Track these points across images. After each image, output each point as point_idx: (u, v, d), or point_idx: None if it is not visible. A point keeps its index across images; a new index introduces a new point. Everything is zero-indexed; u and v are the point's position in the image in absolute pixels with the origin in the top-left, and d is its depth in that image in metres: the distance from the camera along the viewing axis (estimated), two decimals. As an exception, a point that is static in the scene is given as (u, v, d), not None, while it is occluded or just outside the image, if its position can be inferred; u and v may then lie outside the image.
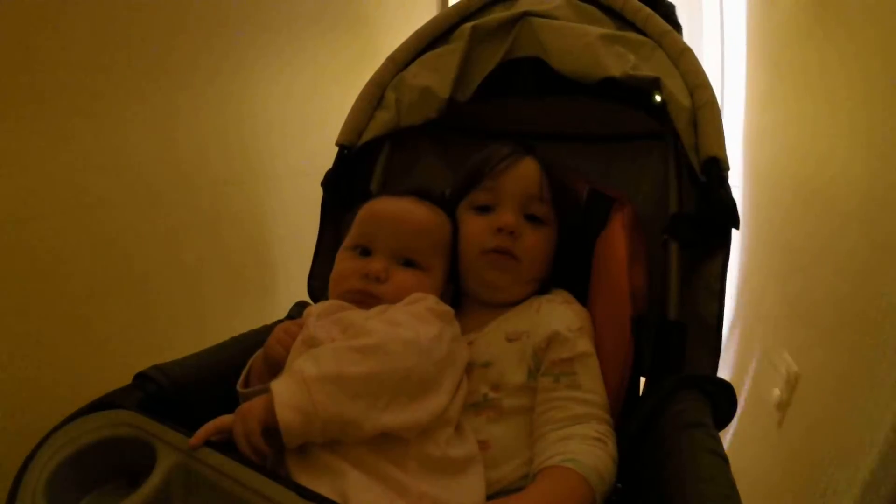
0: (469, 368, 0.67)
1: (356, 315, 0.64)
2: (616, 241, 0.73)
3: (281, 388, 0.51)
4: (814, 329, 1.02)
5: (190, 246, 1.10)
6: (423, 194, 0.77)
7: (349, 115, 0.89)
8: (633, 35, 0.82)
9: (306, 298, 0.89)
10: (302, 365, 0.53)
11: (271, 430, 0.50)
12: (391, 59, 0.90)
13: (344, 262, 0.72)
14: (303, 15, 1.43)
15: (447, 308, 0.66)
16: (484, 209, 0.77)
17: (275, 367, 0.63)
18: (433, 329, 0.60)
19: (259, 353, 0.67)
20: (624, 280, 0.68)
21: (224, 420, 0.50)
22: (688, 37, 0.91)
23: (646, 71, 0.76)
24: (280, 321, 0.75)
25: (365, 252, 0.71)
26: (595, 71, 0.79)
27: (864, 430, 0.76)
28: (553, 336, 0.65)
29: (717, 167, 0.70)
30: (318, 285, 0.89)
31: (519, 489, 0.57)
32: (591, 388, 0.63)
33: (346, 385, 0.51)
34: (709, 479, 0.48)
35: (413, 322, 0.59)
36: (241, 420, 0.50)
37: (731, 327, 1.52)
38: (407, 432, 0.54)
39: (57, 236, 0.82)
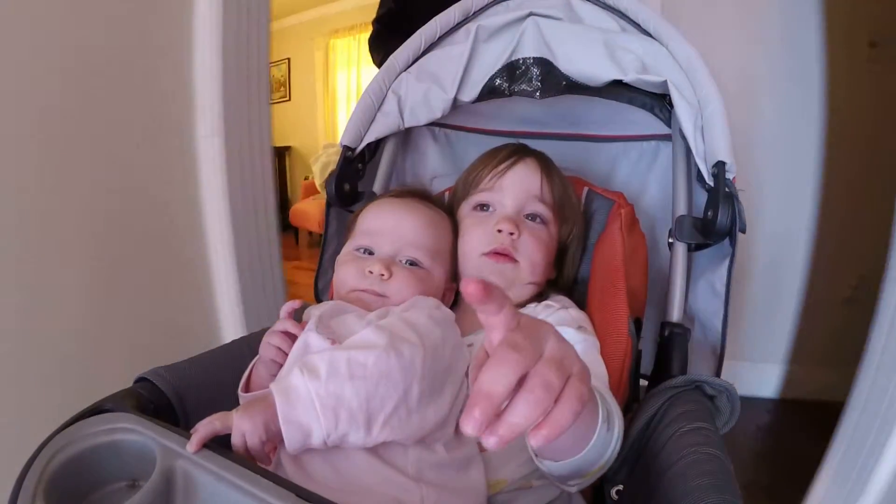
0: (469, 370, 0.66)
1: (357, 319, 0.64)
2: (613, 243, 0.72)
3: (283, 400, 0.50)
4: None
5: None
6: (423, 195, 0.77)
7: (353, 116, 0.88)
8: (640, 37, 0.81)
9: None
10: (305, 374, 0.52)
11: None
12: (395, 58, 0.90)
13: (346, 262, 0.71)
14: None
15: (448, 312, 0.66)
16: (484, 210, 0.76)
17: (274, 371, 0.63)
18: (435, 337, 0.59)
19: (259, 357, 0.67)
20: (620, 282, 0.68)
21: (218, 426, 0.50)
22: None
23: (653, 73, 0.75)
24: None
25: (367, 253, 0.71)
26: (602, 73, 0.78)
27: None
28: None
29: (724, 171, 0.69)
30: (324, 286, 0.89)
31: (519, 489, 0.57)
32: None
33: (351, 399, 0.51)
34: (711, 483, 0.48)
35: (416, 329, 0.58)
36: (240, 438, 0.50)
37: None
38: (408, 441, 0.54)
39: None
